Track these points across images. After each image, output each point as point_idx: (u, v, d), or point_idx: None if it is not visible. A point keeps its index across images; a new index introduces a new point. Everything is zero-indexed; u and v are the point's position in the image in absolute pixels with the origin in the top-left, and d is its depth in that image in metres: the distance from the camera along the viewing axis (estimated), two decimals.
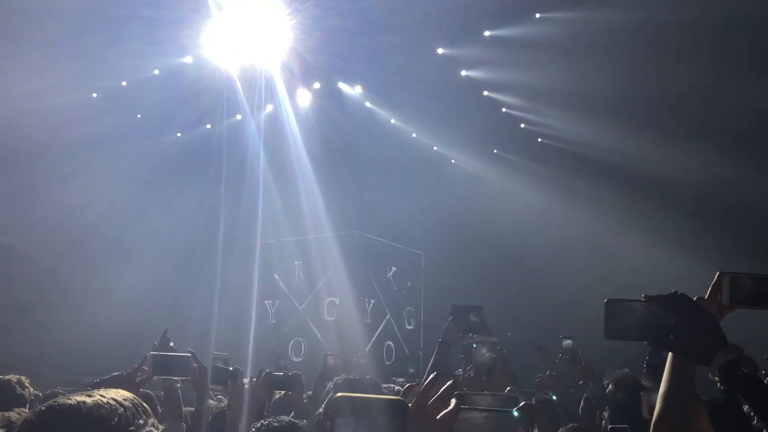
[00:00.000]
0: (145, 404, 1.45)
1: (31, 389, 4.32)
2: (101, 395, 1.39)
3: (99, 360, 11.61)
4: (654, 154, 12.27)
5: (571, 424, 4.19)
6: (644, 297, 1.74)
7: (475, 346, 3.11)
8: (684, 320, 1.69)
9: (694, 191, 12.37)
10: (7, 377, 4.20)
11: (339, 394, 1.34)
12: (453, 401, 1.67)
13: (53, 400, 1.38)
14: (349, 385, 3.45)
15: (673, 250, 11.99)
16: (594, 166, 13.43)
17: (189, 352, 3.77)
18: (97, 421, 1.33)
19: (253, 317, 12.48)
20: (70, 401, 1.36)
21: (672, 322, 1.70)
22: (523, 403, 1.72)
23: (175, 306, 13.65)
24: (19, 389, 4.12)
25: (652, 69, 11.28)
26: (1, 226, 12.24)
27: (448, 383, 1.72)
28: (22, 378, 4.28)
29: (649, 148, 12.22)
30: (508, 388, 2.59)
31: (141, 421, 1.39)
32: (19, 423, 1.38)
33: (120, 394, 1.43)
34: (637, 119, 12.29)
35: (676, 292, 1.74)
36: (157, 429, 1.44)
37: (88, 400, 1.36)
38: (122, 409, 1.37)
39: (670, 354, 1.79)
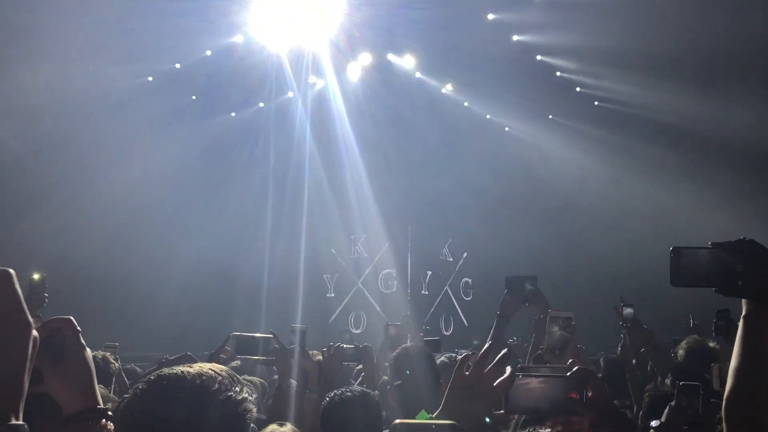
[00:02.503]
0: (238, 376, 1.58)
1: (116, 365, 4.35)
2: (200, 366, 1.54)
3: (156, 334, 12.01)
4: (716, 114, 11.78)
5: (652, 384, 4.13)
6: (711, 244, 1.70)
7: (548, 321, 3.08)
8: (752, 265, 1.64)
9: (757, 151, 11.85)
10: (94, 353, 4.20)
11: (397, 421, 1.42)
12: (508, 369, 1.69)
13: (159, 371, 1.54)
14: (407, 355, 3.46)
15: (737, 212, 11.56)
16: (655, 128, 13.01)
17: (271, 333, 3.85)
18: (199, 387, 1.47)
19: (300, 291, 12.68)
20: (175, 371, 1.52)
21: (740, 268, 1.66)
22: (576, 368, 1.70)
23: (226, 282, 14.00)
24: (103, 365, 4.11)
25: (711, 25, 10.79)
26: (61, 204, 12.59)
27: (502, 352, 1.74)
28: (107, 355, 4.30)
29: (711, 107, 11.74)
30: (570, 361, 2.57)
31: (237, 389, 1.52)
32: (130, 392, 1.53)
33: (216, 367, 1.57)
34: (697, 78, 11.81)
35: (744, 238, 1.68)
36: (251, 396, 1.56)
37: (191, 370, 1.52)
38: (220, 377, 1.51)
39: (740, 325, 1.71)
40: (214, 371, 1.53)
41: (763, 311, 1.66)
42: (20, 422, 0.99)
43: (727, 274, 1.68)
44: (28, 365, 1.03)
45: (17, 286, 1.02)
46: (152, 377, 1.52)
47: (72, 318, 1.36)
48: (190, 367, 1.54)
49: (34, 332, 1.05)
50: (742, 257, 1.66)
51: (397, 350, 3.43)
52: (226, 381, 1.52)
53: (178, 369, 1.53)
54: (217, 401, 1.47)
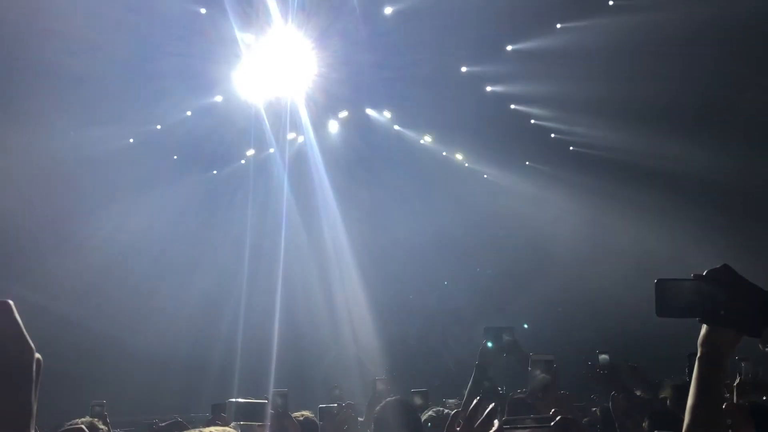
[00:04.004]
0: None
1: (105, 429, 4.23)
2: (210, 430, 1.62)
3: (129, 396, 11.74)
4: (687, 155, 12.05)
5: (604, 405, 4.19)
6: (693, 275, 1.76)
7: (530, 365, 3.14)
8: (733, 295, 1.71)
9: (728, 188, 12.10)
10: (80, 423, 3.97)
11: None
12: (496, 422, 1.77)
13: None
14: (388, 410, 3.50)
15: (713, 248, 11.73)
16: (629, 170, 13.25)
17: (265, 398, 3.91)
18: None
19: (275, 346, 12.60)
20: None
21: (722, 298, 1.72)
22: (558, 417, 1.79)
23: (201, 339, 13.90)
24: None
25: (681, 69, 11.18)
26: (36, 264, 12.45)
27: (490, 406, 1.81)
28: (95, 421, 4.17)
29: (681, 148, 12.02)
30: (552, 410, 2.64)
31: None
32: None
33: (227, 430, 1.68)
34: (668, 120, 12.13)
35: (723, 265, 1.75)
36: None
37: None
38: None
39: (696, 365, 1.80)
40: None
41: (718, 349, 1.76)
42: None
43: (709, 304, 1.73)
44: (34, 387, 1.09)
45: (17, 316, 1.09)
46: None
47: None
48: (202, 430, 1.62)
49: (37, 355, 1.11)
50: (723, 287, 1.72)
51: (380, 405, 3.46)
52: None
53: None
54: None
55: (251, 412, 3.83)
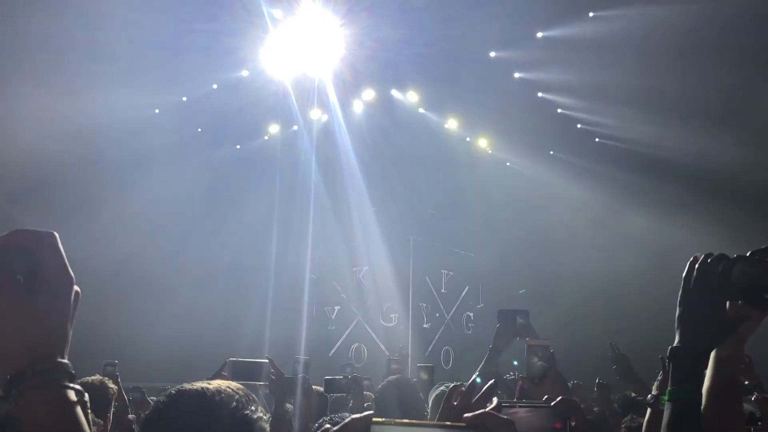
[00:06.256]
0: (254, 396, 1.60)
1: (114, 388, 4.30)
2: (218, 384, 1.56)
3: (155, 365, 11.93)
4: (714, 150, 11.86)
5: (624, 392, 4.16)
6: (736, 256, 1.70)
7: (526, 351, 3.11)
8: None
9: (752, 186, 11.88)
10: (91, 379, 4.14)
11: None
12: (495, 399, 1.75)
13: (179, 386, 1.55)
14: (392, 388, 3.53)
15: (735, 246, 11.52)
16: (655, 164, 13.09)
17: (267, 358, 3.92)
18: (219, 404, 1.50)
19: (304, 324, 12.67)
20: (195, 387, 1.54)
21: (765, 281, 1.63)
22: (560, 398, 1.77)
23: (228, 313, 14.01)
24: (100, 389, 4.04)
25: (705, 65, 10.97)
26: (66, 233, 12.56)
27: (489, 382, 1.79)
28: (104, 379, 4.25)
29: (708, 143, 11.83)
30: (545, 397, 2.63)
31: (253, 407, 1.54)
32: (152, 404, 1.57)
33: (233, 385, 1.59)
34: (695, 115, 11.94)
35: (763, 248, 1.67)
36: (266, 416, 1.57)
37: (210, 387, 1.54)
38: (238, 396, 1.54)
39: (712, 354, 1.77)
40: (232, 389, 1.56)
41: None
42: (67, 361, 1.12)
43: (754, 287, 1.65)
44: (71, 315, 1.15)
45: (61, 246, 1.14)
46: (173, 392, 1.55)
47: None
48: (209, 383, 1.57)
49: (76, 287, 1.16)
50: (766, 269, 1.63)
51: (382, 383, 3.48)
52: (243, 400, 1.54)
53: (198, 385, 1.56)
54: (234, 419, 1.50)
55: (250, 372, 3.83)
